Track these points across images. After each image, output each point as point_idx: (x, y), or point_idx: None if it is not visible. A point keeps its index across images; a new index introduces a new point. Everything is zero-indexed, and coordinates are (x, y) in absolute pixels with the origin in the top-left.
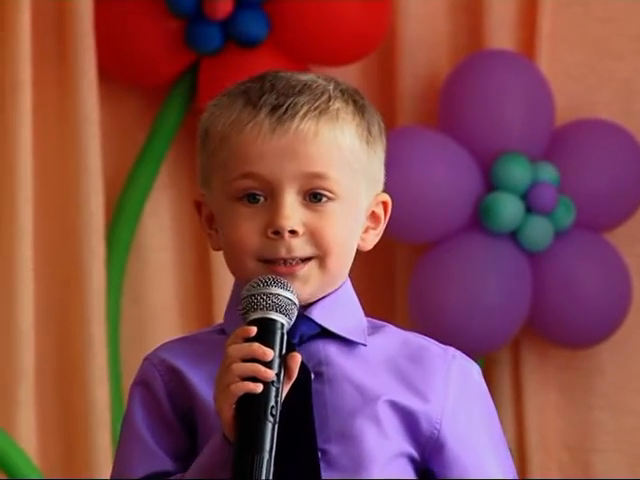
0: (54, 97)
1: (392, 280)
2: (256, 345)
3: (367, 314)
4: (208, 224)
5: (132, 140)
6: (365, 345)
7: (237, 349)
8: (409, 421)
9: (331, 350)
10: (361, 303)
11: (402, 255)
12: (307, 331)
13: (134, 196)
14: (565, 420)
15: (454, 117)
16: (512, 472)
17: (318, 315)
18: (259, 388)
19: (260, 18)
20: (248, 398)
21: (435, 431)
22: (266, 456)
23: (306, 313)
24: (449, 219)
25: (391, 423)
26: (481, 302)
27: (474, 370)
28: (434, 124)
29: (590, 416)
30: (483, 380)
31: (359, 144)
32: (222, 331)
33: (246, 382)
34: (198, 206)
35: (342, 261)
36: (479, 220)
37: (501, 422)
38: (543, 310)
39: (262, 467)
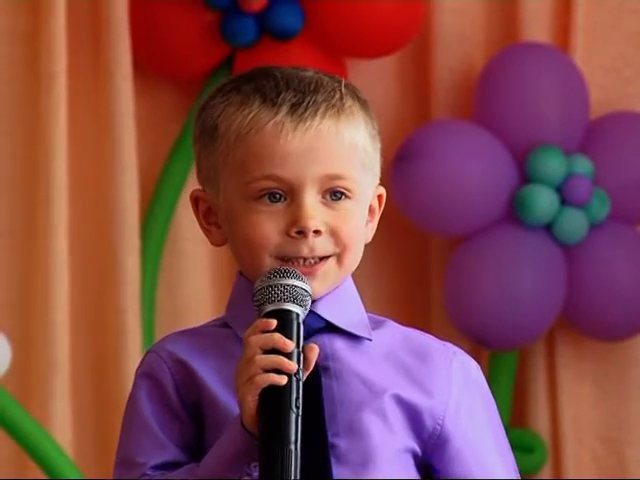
0: (89, 89)
1: (427, 273)
2: (277, 335)
3: (402, 307)
4: (205, 219)
5: (167, 132)
6: (371, 340)
7: (258, 339)
8: (413, 416)
9: (337, 345)
10: (398, 296)
11: (437, 248)
12: (313, 325)
13: (169, 188)
14: (600, 412)
15: (489, 109)
16: (514, 467)
17: (323, 310)
18: (284, 380)
19: (295, 10)
20: (273, 390)
21: (438, 427)
22: (293, 448)
23: (311, 307)
24: (484, 212)
25: (396, 418)
26: (516, 294)
27: (473, 366)
28: (469, 117)
29: (625, 408)
30: (482, 376)
31: (370, 141)
32: (225, 325)
33: (271, 374)
34: (196, 201)
35: (356, 256)
36: (514, 212)
37: (536, 413)
38: (578, 302)
39: (291, 459)
